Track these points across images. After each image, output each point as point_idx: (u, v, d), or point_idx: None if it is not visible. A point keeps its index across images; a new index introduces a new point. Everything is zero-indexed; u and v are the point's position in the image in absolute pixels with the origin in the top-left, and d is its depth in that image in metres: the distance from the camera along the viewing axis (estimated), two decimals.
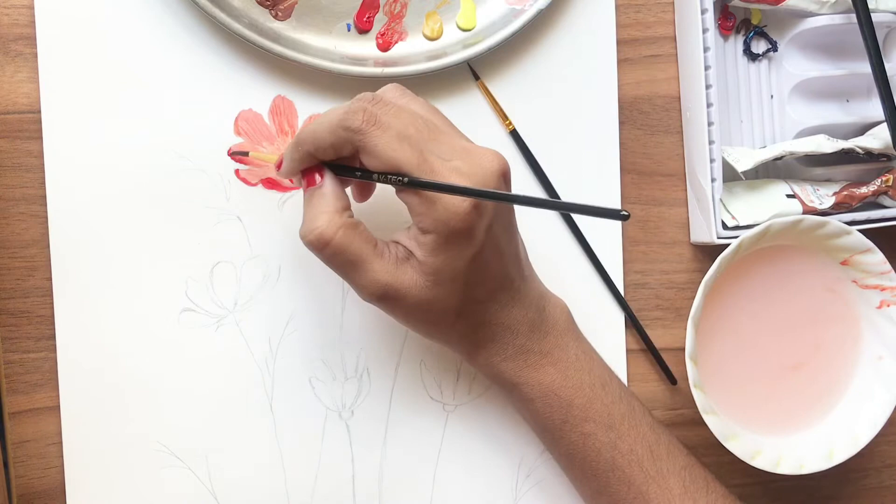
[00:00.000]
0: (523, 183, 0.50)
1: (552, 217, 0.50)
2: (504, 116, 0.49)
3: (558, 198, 0.50)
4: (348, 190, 0.44)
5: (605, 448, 0.44)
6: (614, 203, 0.51)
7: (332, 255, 0.40)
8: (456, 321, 0.43)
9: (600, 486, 0.45)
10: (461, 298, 0.42)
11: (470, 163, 0.40)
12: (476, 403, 0.50)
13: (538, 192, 0.50)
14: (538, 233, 0.49)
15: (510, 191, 0.42)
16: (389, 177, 0.39)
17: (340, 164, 0.42)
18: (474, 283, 0.42)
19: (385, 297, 0.41)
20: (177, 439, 0.48)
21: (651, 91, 0.52)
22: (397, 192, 0.40)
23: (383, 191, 0.45)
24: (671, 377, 0.51)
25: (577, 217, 0.51)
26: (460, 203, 0.39)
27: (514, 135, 0.50)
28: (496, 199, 0.40)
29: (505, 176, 0.41)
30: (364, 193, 0.46)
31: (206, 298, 0.48)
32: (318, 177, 0.41)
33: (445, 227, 0.39)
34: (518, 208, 0.44)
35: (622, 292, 0.51)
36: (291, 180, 0.47)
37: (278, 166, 0.43)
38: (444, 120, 0.42)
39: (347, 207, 0.41)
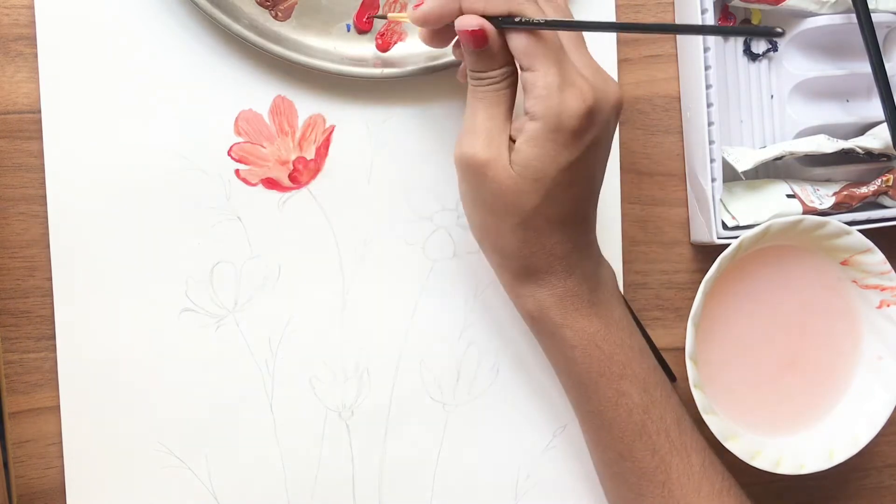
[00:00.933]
0: None
1: None
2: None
3: None
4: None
5: (637, 410, 0.44)
6: (614, 200, 0.51)
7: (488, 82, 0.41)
8: (521, 228, 0.42)
9: (625, 449, 0.44)
10: (537, 204, 0.41)
11: (598, 77, 0.41)
12: (476, 403, 0.50)
13: None
14: None
15: (616, 126, 0.43)
16: (542, 21, 0.39)
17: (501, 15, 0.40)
18: (554, 196, 0.41)
19: (477, 163, 0.41)
20: (177, 439, 0.48)
21: (651, 91, 0.52)
22: (524, 74, 0.40)
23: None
24: (671, 374, 0.51)
25: None
26: (577, 104, 0.39)
27: None
28: (647, 32, 0.42)
29: (619, 109, 0.42)
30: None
31: (206, 298, 0.48)
32: (482, 39, 0.40)
33: (555, 120, 0.39)
34: None
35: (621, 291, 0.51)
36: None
37: (417, 6, 0.42)
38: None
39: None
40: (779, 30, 0.35)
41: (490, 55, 0.40)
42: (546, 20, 0.40)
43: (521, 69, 0.40)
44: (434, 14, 0.41)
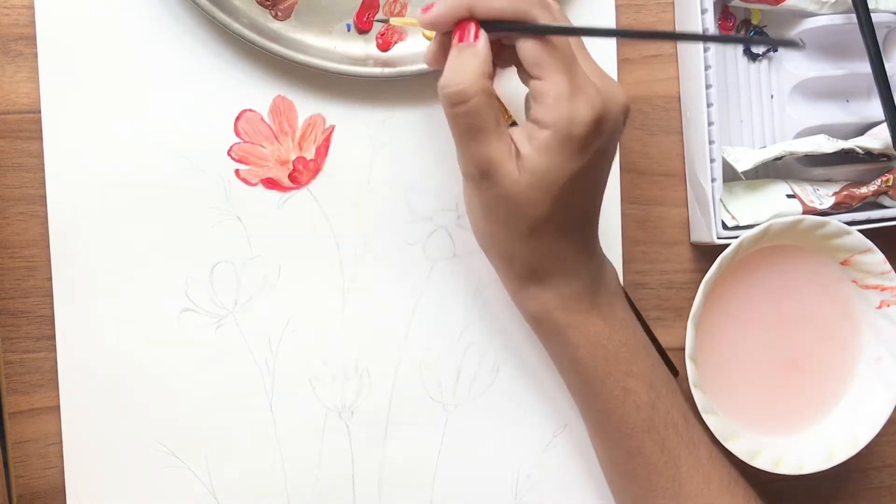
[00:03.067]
0: None
1: None
2: (504, 110, 0.49)
3: None
4: None
5: (644, 406, 0.44)
6: (614, 200, 0.51)
7: (464, 114, 0.40)
8: (529, 236, 0.42)
9: (634, 447, 0.44)
10: (546, 213, 0.41)
11: (605, 83, 0.41)
12: (476, 403, 0.50)
13: None
14: None
15: (623, 131, 0.43)
16: (546, 26, 0.39)
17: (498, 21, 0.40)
18: (562, 203, 0.41)
19: (486, 175, 0.41)
20: (177, 439, 0.48)
21: (651, 91, 0.52)
22: (533, 83, 0.40)
23: None
24: (674, 369, 0.51)
25: None
26: (587, 112, 0.39)
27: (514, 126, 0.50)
28: (664, 39, 0.41)
29: (626, 114, 0.42)
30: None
31: (206, 298, 0.48)
32: (472, 34, 0.40)
33: (565, 128, 0.39)
34: None
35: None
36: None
37: (424, 10, 0.41)
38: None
39: (493, 76, 0.41)
40: (797, 41, 0.35)
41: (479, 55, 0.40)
42: (558, 26, 0.40)
43: (531, 77, 0.40)
44: (443, 18, 0.41)
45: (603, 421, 0.45)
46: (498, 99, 0.49)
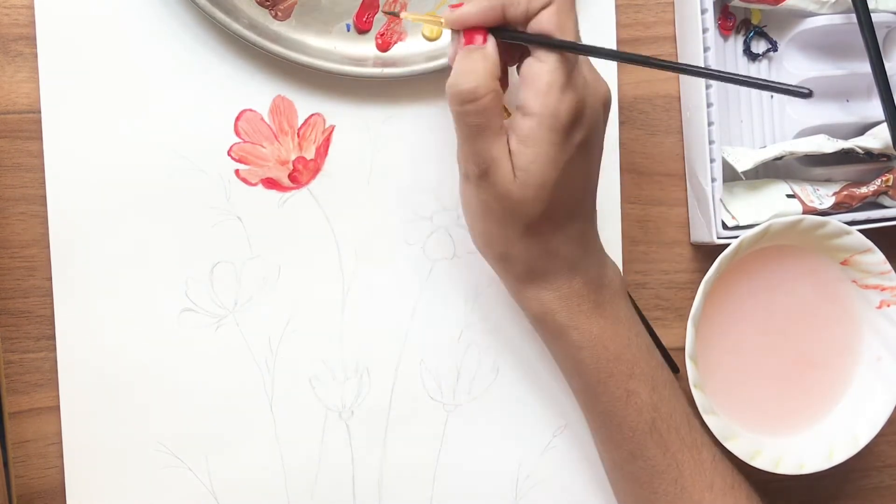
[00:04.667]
0: None
1: None
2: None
3: None
4: None
5: (647, 408, 0.44)
6: (614, 200, 0.51)
7: (474, 112, 0.40)
8: (525, 235, 0.42)
9: (636, 448, 0.44)
10: (542, 210, 0.41)
11: (592, 76, 0.42)
12: (476, 403, 0.50)
13: None
14: None
15: (606, 125, 0.43)
16: (551, 40, 0.39)
17: (510, 29, 0.41)
18: (556, 198, 0.41)
19: (486, 173, 0.41)
20: (177, 439, 0.48)
21: (651, 91, 0.52)
22: (532, 63, 0.40)
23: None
24: (674, 366, 0.51)
25: None
26: (572, 105, 0.40)
27: None
28: (663, 68, 0.41)
29: (607, 108, 0.43)
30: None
31: (206, 298, 0.48)
32: (480, 38, 0.41)
33: (549, 119, 0.39)
34: None
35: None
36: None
37: (454, 7, 0.41)
38: None
39: (501, 77, 0.41)
40: (805, 90, 0.35)
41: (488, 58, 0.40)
42: (572, 43, 0.40)
43: (530, 56, 0.40)
44: (473, 20, 0.41)
45: (605, 422, 0.45)
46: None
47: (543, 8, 0.40)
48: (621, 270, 0.51)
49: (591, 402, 0.46)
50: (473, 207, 0.43)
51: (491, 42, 0.41)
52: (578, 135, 0.41)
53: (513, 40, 0.41)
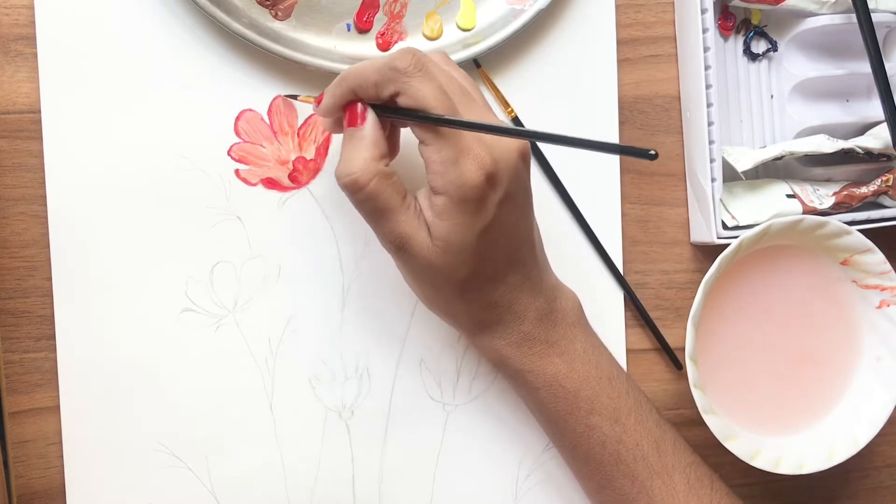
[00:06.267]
0: None
1: (557, 212, 0.50)
2: (506, 104, 0.49)
3: (561, 184, 0.50)
4: None
5: (610, 441, 0.44)
6: (614, 200, 0.51)
7: (364, 200, 0.41)
8: (462, 294, 0.42)
9: (604, 479, 0.45)
10: (470, 271, 0.42)
11: (494, 138, 0.41)
12: (476, 403, 0.50)
13: (544, 182, 0.50)
14: (543, 228, 0.49)
15: (529, 174, 0.43)
16: (429, 115, 0.39)
17: (383, 104, 0.41)
18: (483, 257, 0.41)
19: (401, 248, 0.41)
20: (177, 439, 0.48)
21: (651, 91, 0.52)
22: (420, 147, 0.40)
23: (409, 151, 0.46)
24: (676, 362, 0.51)
25: (580, 210, 0.50)
26: (475, 173, 0.39)
27: (517, 122, 0.50)
28: (522, 137, 0.40)
29: (525, 158, 0.42)
30: (391, 151, 0.45)
31: (206, 298, 0.48)
32: (359, 118, 0.41)
33: (457, 193, 0.39)
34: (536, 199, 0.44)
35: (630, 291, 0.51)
36: (325, 130, 0.48)
37: (318, 101, 0.43)
38: (480, 95, 0.43)
39: (385, 155, 0.41)
40: (652, 152, 0.34)
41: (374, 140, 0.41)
42: (441, 117, 0.39)
43: (419, 142, 0.40)
44: (333, 108, 0.42)
45: (572, 455, 0.46)
46: (497, 89, 0.49)
47: (394, 96, 0.40)
48: (621, 270, 0.51)
49: (556, 436, 0.46)
50: (405, 274, 0.44)
51: (370, 121, 0.41)
52: (496, 195, 0.40)
53: (388, 116, 0.41)
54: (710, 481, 0.45)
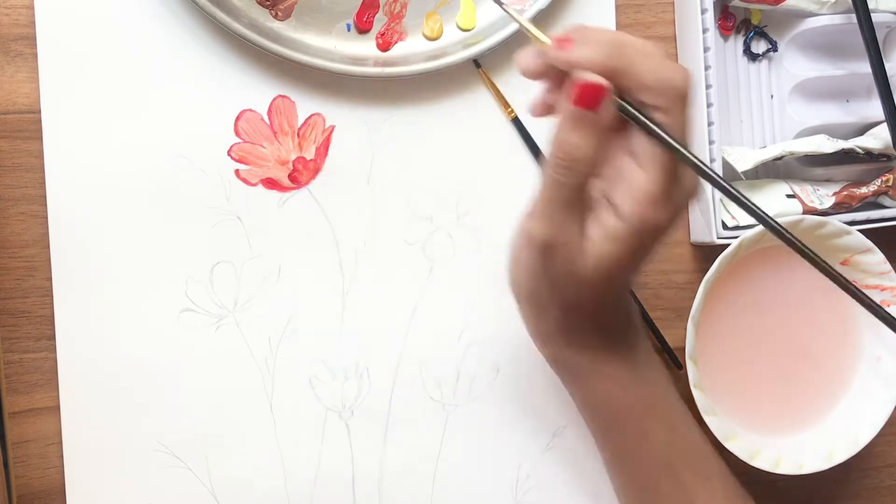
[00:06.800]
0: (526, 172, 0.50)
1: None
2: (506, 104, 0.49)
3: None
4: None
5: (663, 446, 0.43)
6: None
7: (574, 186, 0.36)
8: (572, 308, 0.40)
9: (651, 484, 0.43)
10: (600, 301, 0.40)
11: (688, 177, 0.38)
12: (476, 403, 0.50)
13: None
14: None
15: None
16: (692, 156, 0.35)
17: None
18: (616, 285, 0.40)
19: (551, 249, 0.37)
20: (177, 439, 0.48)
21: None
22: (631, 161, 0.36)
23: None
24: (676, 362, 0.51)
25: None
26: (669, 216, 0.36)
27: (517, 122, 0.50)
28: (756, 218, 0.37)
29: (694, 198, 0.40)
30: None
31: (206, 298, 0.48)
32: (598, 104, 0.35)
33: (640, 229, 0.36)
34: None
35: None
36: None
37: (560, 44, 0.35)
38: None
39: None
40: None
41: (595, 128, 0.35)
42: (702, 163, 0.36)
43: (629, 155, 0.36)
44: (590, 64, 0.35)
45: (620, 458, 0.44)
46: (497, 89, 0.49)
47: (647, 107, 0.35)
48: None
49: (607, 440, 0.44)
50: (525, 266, 0.40)
51: (608, 112, 0.35)
52: (662, 239, 0.38)
53: (631, 119, 0.35)
54: (744, 493, 0.45)
